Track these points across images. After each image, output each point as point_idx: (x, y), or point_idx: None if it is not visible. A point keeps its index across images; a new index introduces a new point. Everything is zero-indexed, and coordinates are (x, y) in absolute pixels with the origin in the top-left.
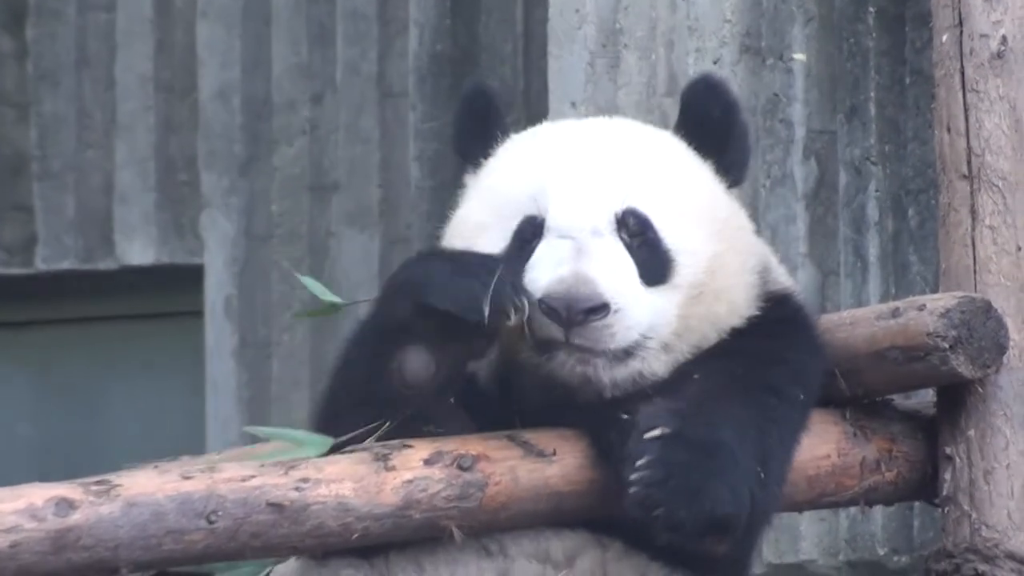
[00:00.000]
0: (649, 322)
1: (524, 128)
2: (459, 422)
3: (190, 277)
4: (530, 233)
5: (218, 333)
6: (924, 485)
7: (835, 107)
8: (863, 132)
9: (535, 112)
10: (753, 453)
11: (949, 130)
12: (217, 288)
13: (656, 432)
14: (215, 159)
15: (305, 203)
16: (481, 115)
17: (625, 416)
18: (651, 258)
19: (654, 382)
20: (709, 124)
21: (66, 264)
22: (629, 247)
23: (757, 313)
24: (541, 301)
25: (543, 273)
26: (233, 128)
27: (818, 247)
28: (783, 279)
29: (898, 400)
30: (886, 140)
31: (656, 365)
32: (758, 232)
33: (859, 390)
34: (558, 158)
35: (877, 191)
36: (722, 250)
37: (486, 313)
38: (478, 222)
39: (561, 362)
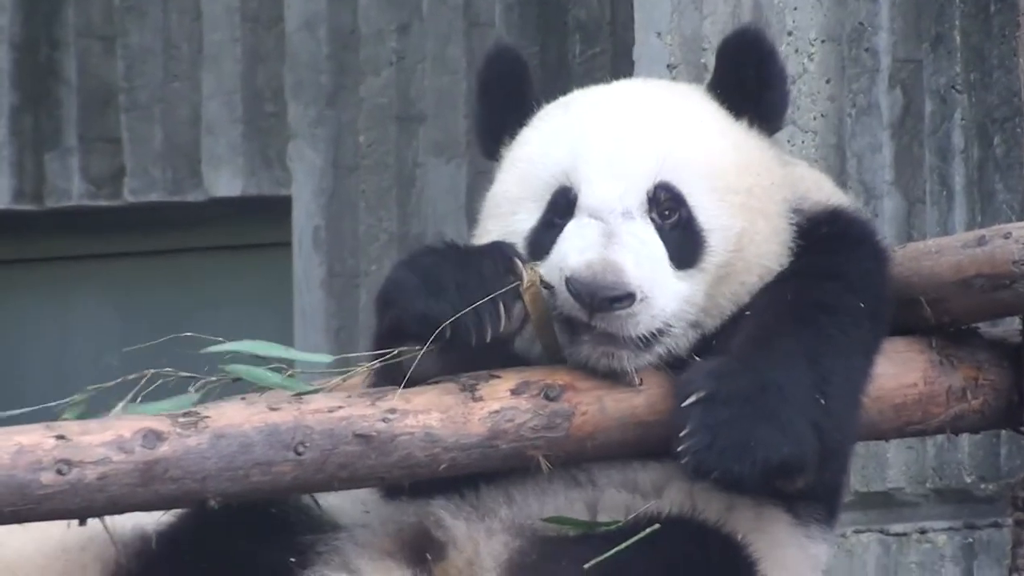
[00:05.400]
0: (675, 309)
1: (610, 60)
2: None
3: (278, 208)
4: (563, 207)
5: (306, 264)
6: (1010, 413)
7: (920, 35)
8: (948, 60)
9: (621, 43)
10: (808, 382)
11: None
12: (305, 219)
13: (692, 398)
14: (302, 90)
15: (392, 133)
16: (510, 83)
17: (696, 358)
18: (683, 240)
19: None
20: (744, 80)
21: (154, 196)
22: (660, 228)
23: (801, 242)
24: (568, 281)
25: (571, 253)
26: (320, 59)
27: (904, 176)
28: (829, 196)
29: (984, 328)
30: (971, 68)
31: (683, 343)
32: (841, 167)
33: (945, 318)
34: (591, 131)
35: (963, 119)
36: (751, 220)
37: (447, 336)
38: (512, 197)
39: (586, 354)
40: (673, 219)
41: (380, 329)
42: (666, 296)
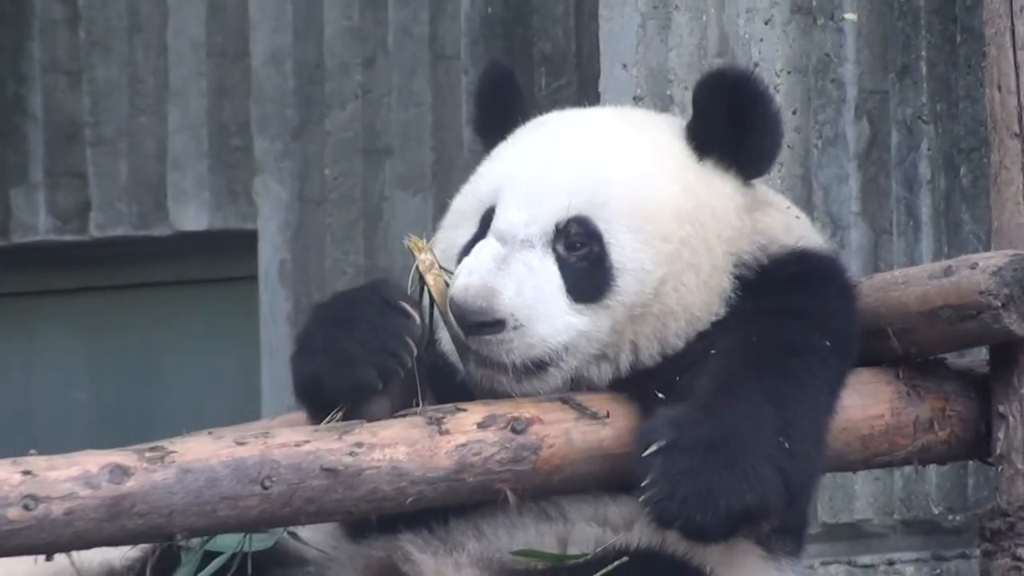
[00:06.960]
0: (566, 340)
1: (575, 92)
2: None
3: (244, 242)
4: (487, 226)
5: (272, 298)
6: (978, 444)
7: (887, 66)
8: (915, 91)
9: (587, 75)
10: (771, 426)
11: (1000, 88)
12: (271, 253)
13: (653, 448)
14: (268, 124)
15: (358, 167)
16: (498, 97)
17: (660, 395)
18: (587, 275)
19: (674, 357)
20: (716, 122)
21: (120, 230)
22: (564, 260)
23: (741, 293)
24: (450, 299)
25: (461, 273)
26: (286, 92)
27: (870, 206)
28: (798, 239)
29: (951, 359)
30: (937, 99)
31: (595, 374)
32: (807, 198)
33: (912, 349)
34: (525, 155)
35: (929, 150)
36: (677, 271)
37: (380, 388)
38: (462, 210)
39: (472, 371)
40: (582, 252)
41: (317, 417)
42: (551, 326)
